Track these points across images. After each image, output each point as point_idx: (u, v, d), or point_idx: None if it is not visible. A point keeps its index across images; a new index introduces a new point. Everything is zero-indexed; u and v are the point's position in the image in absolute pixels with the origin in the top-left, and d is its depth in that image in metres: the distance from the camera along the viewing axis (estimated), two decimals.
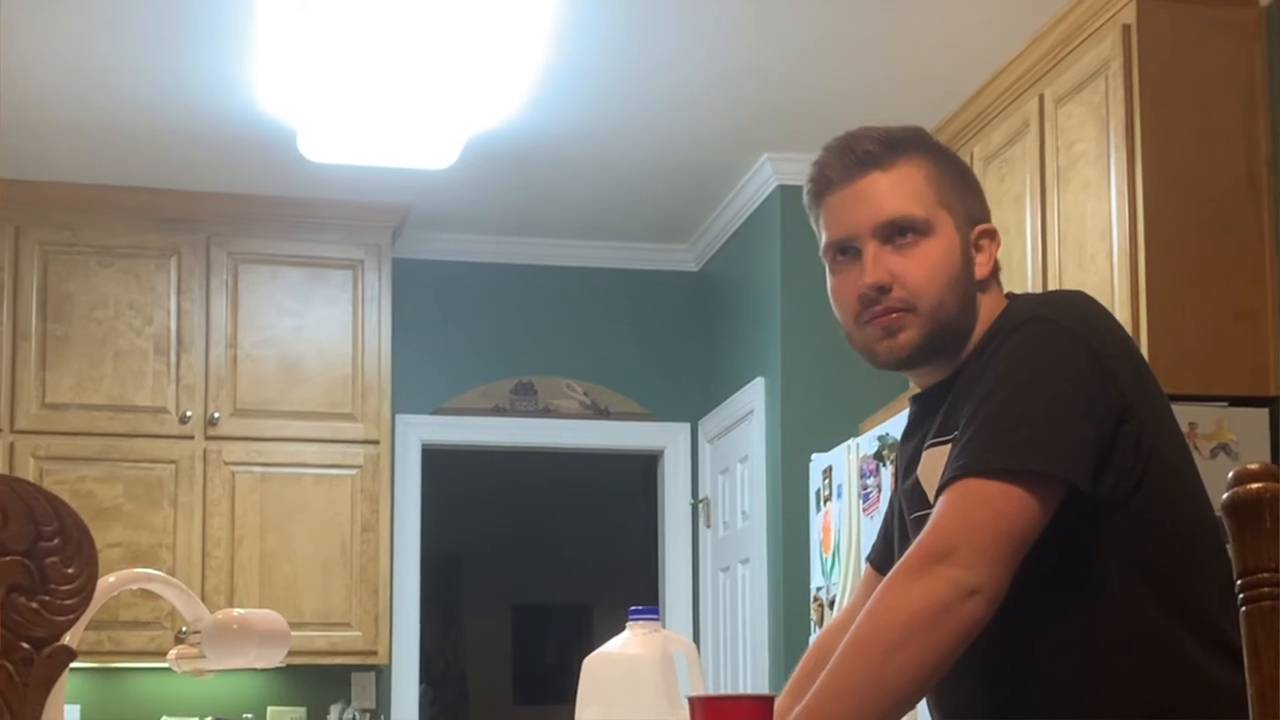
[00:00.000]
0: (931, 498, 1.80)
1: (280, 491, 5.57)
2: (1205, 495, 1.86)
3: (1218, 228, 3.71)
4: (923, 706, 1.92)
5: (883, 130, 1.91)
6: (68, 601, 0.84)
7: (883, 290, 1.85)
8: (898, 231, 1.86)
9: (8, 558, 0.84)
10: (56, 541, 0.84)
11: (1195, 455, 1.99)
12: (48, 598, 0.84)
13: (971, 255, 1.90)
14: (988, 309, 1.90)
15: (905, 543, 1.89)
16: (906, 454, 1.97)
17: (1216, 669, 1.74)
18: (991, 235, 1.93)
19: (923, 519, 1.80)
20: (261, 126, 5.01)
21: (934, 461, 1.84)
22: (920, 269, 1.85)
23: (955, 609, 1.66)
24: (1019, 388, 1.76)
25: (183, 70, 4.62)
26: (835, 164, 1.90)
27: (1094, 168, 3.88)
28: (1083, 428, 1.74)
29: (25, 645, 0.83)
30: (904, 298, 1.85)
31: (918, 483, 1.90)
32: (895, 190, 1.86)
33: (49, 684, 0.84)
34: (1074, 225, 3.97)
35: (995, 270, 1.94)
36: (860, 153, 1.88)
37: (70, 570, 0.84)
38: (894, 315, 1.86)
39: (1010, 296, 1.94)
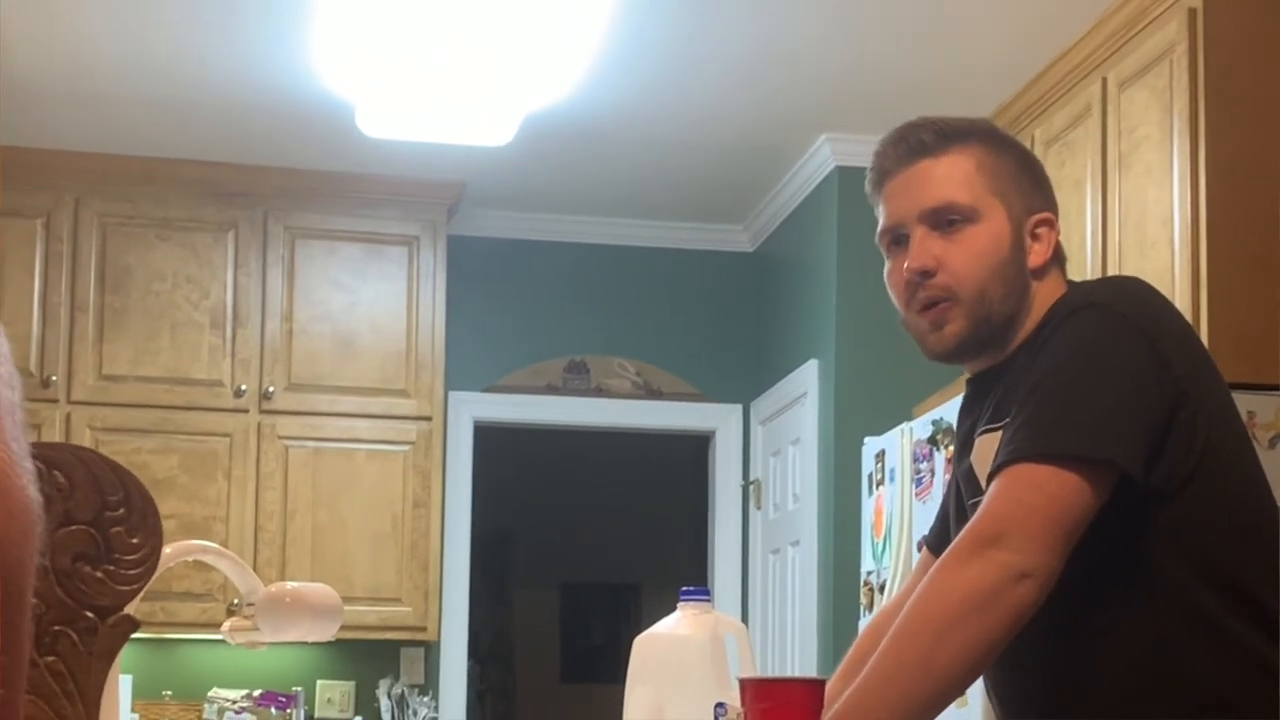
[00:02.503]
0: (984, 484, 1.80)
1: (333, 466, 5.59)
2: (1266, 484, 1.84)
3: None
4: (978, 693, 1.91)
5: (940, 120, 1.94)
6: (132, 571, 0.84)
7: (926, 274, 1.88)
8: (945, 218, 1.88)
9: (74, 527, 0.84)
10: (122, 511, 0.84)
11: (1255, 445, 1.98)
12: (112, 567, 0.84)
13: (1024, 244, 1.90)
14: (1045, 296, 1.90)
15: (961, 527, 1.89)
16: (961, 436, 1.98)
17: (1277, 658, 1.73)
18: (1050, 224, 1.93)
19: (977, 505, 1.79)
20: (320, 102, 5.02)
21: (986, 448, 1.84)
22: (964, 254, 1.87)
23: (1006, 593, 1.65)
24: (1072, 373, 1.76)
25: (243, 45, 4.63)
26: (891, 153, 1.94)
27: (1156, 153, 3.84)
28: (1136, 414, 1.74)
29: (89, 614, 0.84)
30: (946, 283, 1.87)
31: (971, 469, 1.90)
32: (943, 178, 1.89)
33: (112, 653, 0.84)
34: (1135, 211, 3.94)
35: (1057, 259, 1.93)
36: (914, 142, 1.92)
37: (135, 540, 0.84)
38: (940, 307, 1.88)
39: (1070, 284, 1.94)
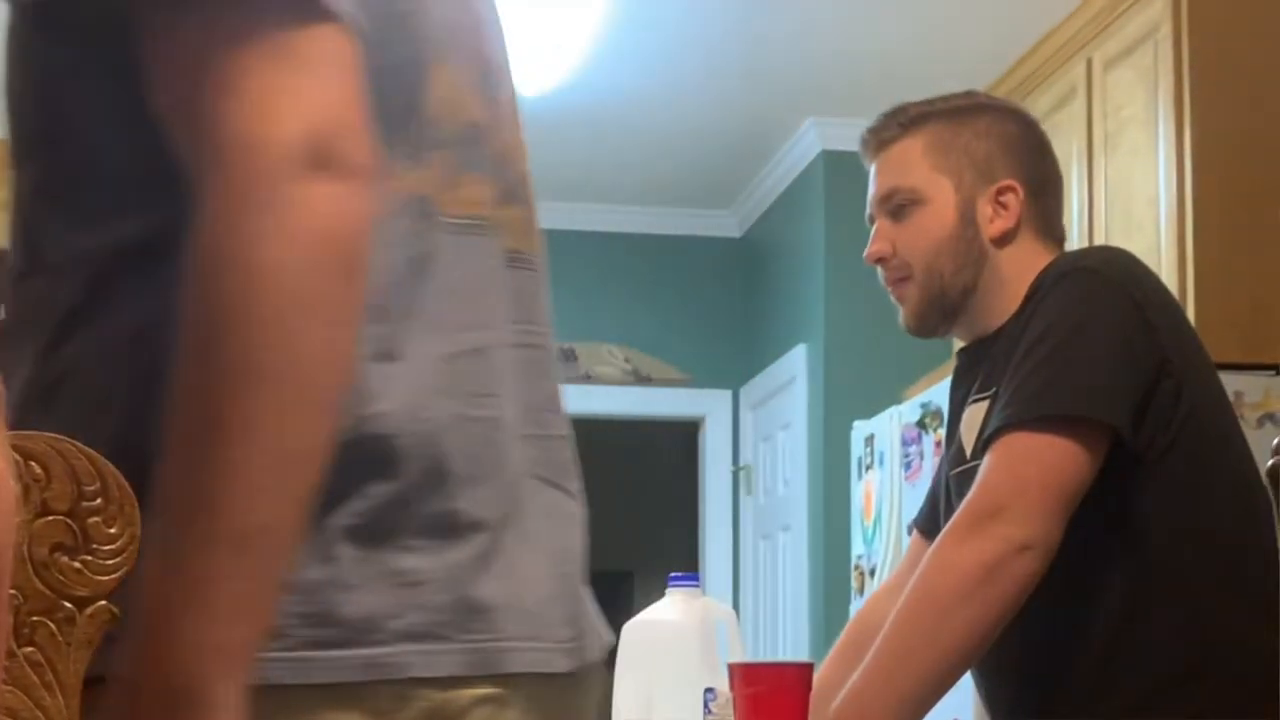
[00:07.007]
0: (969, 453, 1.82)
1: None
2: (1251, 461, 1.85)
3: (1267, 195, 3.67)
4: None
5: (906, 108, 1.99)
6: (110, 561, 0.85)
7: (881, 261, 1.97)
8: (895, 204, 1.95)
9: (50, 517, 0.84)
10: (99, 501, 0.85)
11: (1242, 425, 1.98)
12: (90, 557, 0.85)
13: (973, 215, 1.92)
14: (1019, 263, 1.91)
15: (947, 499, 1.91)
16: (952, 409, 2.00)
17: (1255, 633, 1.73)
18: (1014, 190, 1.94)
19: (962, 475, 1.81)
20: None
21: (974, 417, 1.86)
22: (912, 236, 1.94)
23: (1008, 566, 1.67)
24: (1060, 339, 1.78)
25: None
26: (864, 148, 2.02)
27: (1142, 133, 3.84)
28: (1124, 375, 1.76)
29: (68, 604, 0.84)
30: (900, 265, 1.95)
31: (959, 439, 1.91)
32: (890, 166, 1.97)
33: (91, 643, 0.84)
34: (1121, 191, 3.94)
35: (1030, 225, 1.94)
36: (882, 134, 1.99)
37: (113, 530, 0.85)
38: (899, 285, 1.96)
39: (1062, 253, 1.95)
